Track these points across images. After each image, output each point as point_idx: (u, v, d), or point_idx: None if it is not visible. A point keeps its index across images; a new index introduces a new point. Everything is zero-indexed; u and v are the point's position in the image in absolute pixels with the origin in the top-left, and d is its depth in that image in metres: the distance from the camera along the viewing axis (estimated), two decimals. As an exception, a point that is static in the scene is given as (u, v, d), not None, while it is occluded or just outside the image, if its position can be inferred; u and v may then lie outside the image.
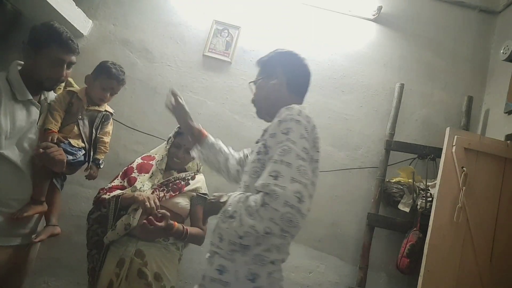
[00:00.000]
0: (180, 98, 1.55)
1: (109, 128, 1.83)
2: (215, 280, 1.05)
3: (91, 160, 1.73)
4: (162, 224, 1.57)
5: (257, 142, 1.23)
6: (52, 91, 1.69)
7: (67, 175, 1.75)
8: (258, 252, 1.03)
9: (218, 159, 1.53)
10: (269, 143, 1.09)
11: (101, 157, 1.76)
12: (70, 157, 1.57)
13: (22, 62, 1.53)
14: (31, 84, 1.50)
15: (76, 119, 1.66)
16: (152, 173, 1.78)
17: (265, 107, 1.30)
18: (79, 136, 1.66)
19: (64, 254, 2.16)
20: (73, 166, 1.65)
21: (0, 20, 2.25)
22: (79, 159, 1.64)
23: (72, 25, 2.25)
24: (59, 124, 1.61)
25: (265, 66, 1.34)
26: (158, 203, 1.63)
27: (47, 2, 2.03)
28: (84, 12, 2.37)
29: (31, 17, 2.30)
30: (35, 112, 1.53)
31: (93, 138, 1.73)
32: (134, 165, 1.85)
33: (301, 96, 1.33)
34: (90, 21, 2.46)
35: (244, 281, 1.02)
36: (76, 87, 1.81)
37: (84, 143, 1.67)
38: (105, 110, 1.81)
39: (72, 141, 1.62)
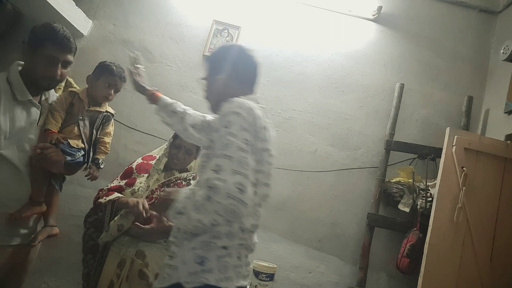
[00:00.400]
0: (139, 62, 1.68)
1: (110, 128, 1.83)
2: (167, 266, 1.12)
3: (90, 160, 1.72)
4: (150, 226, 1.57)
5: None
6: (54, 92, 1.69)
7: (66, 176, 1.75)
8: (205, 239, 1.07)
9: (172, 119, 1.62)
10: (214, 138, 1.12)
11: (101, 157, 1.76)
12: (69, 158, 1.57)
13: (23, 63, 1.53)
14: (31, 84, 1.50)
15: (77, 119, 1.66)
16: (149, 174, 1.77)
17: (217, 102, 1.29)
18: (79, 137, 1.65)
19: (64, 254, 2.16)
20: (72, 167, 1.64)
21: (0, 20, 2.25)
22: (78, 160, 1.63)
23: (72, 25, 2.25)
24: (59, 125, 1.61)
25: (212, 62, 1.37)
26: (147, 207, 1.61)
27: (47, 2, 2.03)
28: (84, 12, 2.37)
29: (31, 17, 2.30)
30: (35, 112, 1.53)
31: (93, 139, 1.73)
32: (134, 165, 1.84)
33: (250, 86, 1.34)
34: (90, 21, 2.45)
35: (192, 265, 1.06)
36: (77, 88, 1.81)
37: (84, 144, 1.67)
38: (106, 111, 1.81)
39: (72, 142, 1.61)
